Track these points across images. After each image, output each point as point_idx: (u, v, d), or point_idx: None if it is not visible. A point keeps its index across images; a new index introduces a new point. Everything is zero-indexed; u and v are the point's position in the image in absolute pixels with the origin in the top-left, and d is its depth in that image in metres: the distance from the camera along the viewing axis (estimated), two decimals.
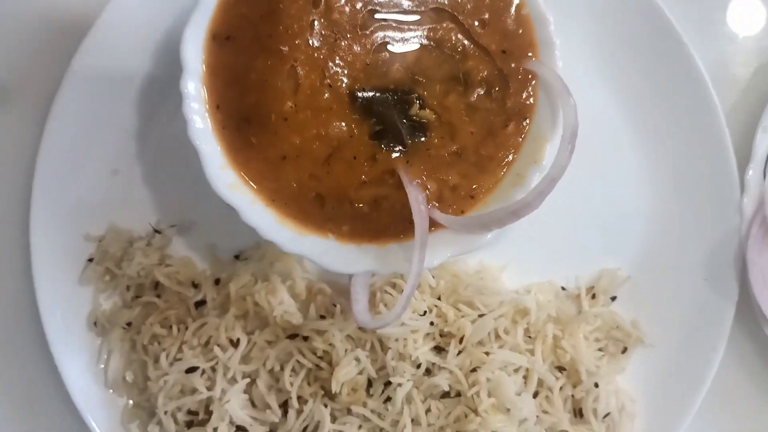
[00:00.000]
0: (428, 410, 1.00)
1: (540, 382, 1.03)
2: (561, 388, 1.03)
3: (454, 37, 0.89)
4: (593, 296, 1.07)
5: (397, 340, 1.00)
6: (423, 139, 0.89)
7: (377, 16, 0.88)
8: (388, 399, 1.00)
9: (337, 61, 0.87)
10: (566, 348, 1.03)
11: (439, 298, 1.04)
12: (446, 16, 0.89)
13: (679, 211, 1.07)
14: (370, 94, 0.88)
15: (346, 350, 0.99)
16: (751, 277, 1.01)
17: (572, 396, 1.04)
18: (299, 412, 1.00)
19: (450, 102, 0.89)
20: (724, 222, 1.04)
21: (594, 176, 1.07)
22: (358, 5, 0.88)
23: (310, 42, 0.86)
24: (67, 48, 1.03)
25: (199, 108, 0.88)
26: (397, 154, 0.89)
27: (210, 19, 0.87)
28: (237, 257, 1.07)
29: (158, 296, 1.05)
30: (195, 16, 0.86)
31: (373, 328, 0.95)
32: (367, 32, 0.88)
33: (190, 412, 1.01)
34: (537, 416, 1.01)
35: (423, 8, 0.89)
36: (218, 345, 1.01)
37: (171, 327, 1.03)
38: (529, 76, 0.90)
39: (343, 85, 0.87)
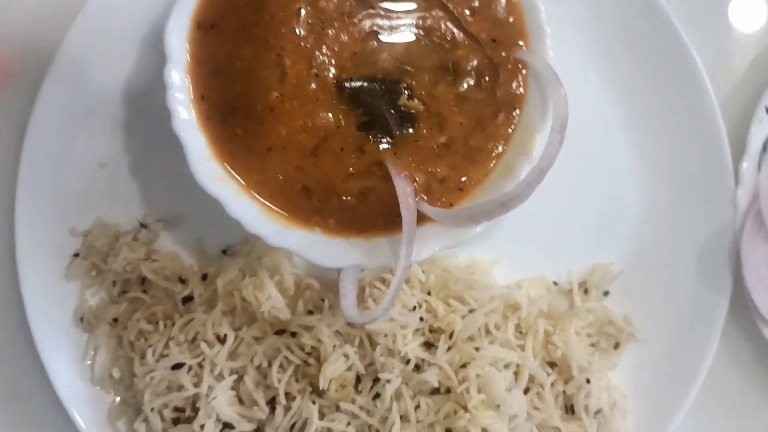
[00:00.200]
0: (417, 407, 0.98)
1: (531, 378, 1.01)
2: (552, 384, 1.02)
3: (443, 26, 0.88)
4: (585, 291, 1.06)
5: (386, 335, 0.98)
6: (411, 130, 0.88)
7: (365, 4, 0.87)
8: (377, 395, 0.99)
9: (324, 50, 0.86)
10: (557, 343, 1.02)
11: (429, 293, 1.02)
12: (435, 4, 0.88)
13: (672, 205, 1.05)
14: (358, 84, 0.87)
15: (334, 346, 0.98)
16: (745, 271, 1.00)
17: (563, 392, 1.03)
18: (287, 408, 0.98)
19: (439, 92, 0.88)
20: (718, 216, 1.03)
21: (586, 170, 1.06)
22: None
23: (297, 31, 0.85)
24: (52, 40, 1.01)
25: (184, 99, 0.87)
26: (385, 146, 0.88)
27: (195, 7, 0.86)
28: (224, 252, 1.06)
29: (145, 291, 1.04)
30: (179, 4, 0.85)
31: (362, 324, 0.93)
32: (355, 21, 0.87)
33: (176, 409, 1.00)
34: (528, 413, 0.99)
35: None
36: (205, 341, 0.99)
37: (157, 323, 1.02)
38: (520, 66, 0.88)
39: (331, 74, 0.86)
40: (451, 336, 1.00)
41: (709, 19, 1.09)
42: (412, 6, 0.88)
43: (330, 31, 0.86)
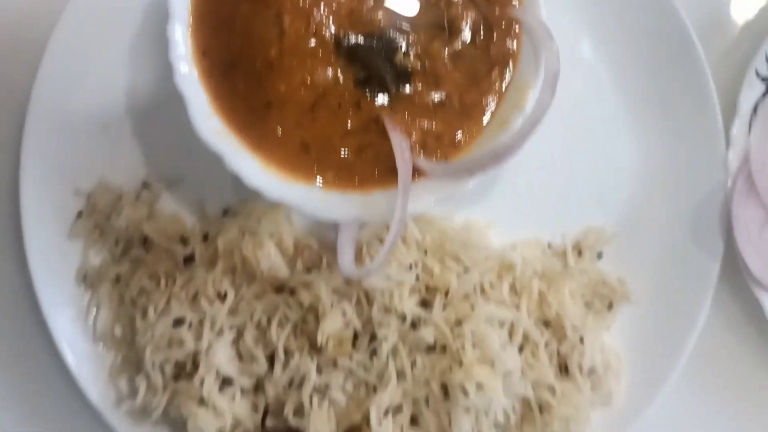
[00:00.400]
0: (414, 364, 1.00)
1: (525, 338, 1.03)
2: (546, 344, 1.03)
3: None
4: (579, 253, 1.07)
5: (383, 293, 1.00)
6: (407, 86, 0.90)
7: None
8: (374, 352, 1.00)
9: (322, 8, 0.88)
10: (552, 303, 1.03)
11: (425, 254, 1.04)
12: None
13: (664, 167, 1.07)
14: (355, 41, 0.88)
15: (332, 303, 1.00)
16: (736, 231, 1.01)
17: (558, 352, 1.04)
18: (285, 364, 1.00)
19: (434, 49, 0.90)
20: (709, 178, 1.04)
21: (580, 132, 1.08)
22: None
23: None
24: (55, 4, 1.03)
25: (186, 55, 0.89)
26: (382, 102, 0.89)
27: None
28: (225, 213, 1.08)
29: (147, 252, 1.06)
30: None
31: (359, 277, 0.95)
32: None
33: (177, 365, 1.01)
34: (522, 371, 1.01)
35: None
36: (206, 298, 1.01)
37: (159, 281, 1.04)
38: (513, 24, 0.90)
39: (329, 31, 0.88)
40: (446, 294, 1.01)
41: None
42: None
43: None
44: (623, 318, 1.08)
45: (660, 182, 1.07)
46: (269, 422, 0.99)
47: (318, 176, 0.91)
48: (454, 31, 0.90)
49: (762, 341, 1.08)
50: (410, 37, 0.89)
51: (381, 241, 1.03)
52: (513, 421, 1.02)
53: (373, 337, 1.01)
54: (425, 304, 1.02)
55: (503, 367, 0.98)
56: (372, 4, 0.89)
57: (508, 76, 0.91)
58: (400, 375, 1.00)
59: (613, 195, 1.08)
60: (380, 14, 0.89)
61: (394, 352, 1.00)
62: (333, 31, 0.88)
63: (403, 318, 1.00)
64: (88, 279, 1.06)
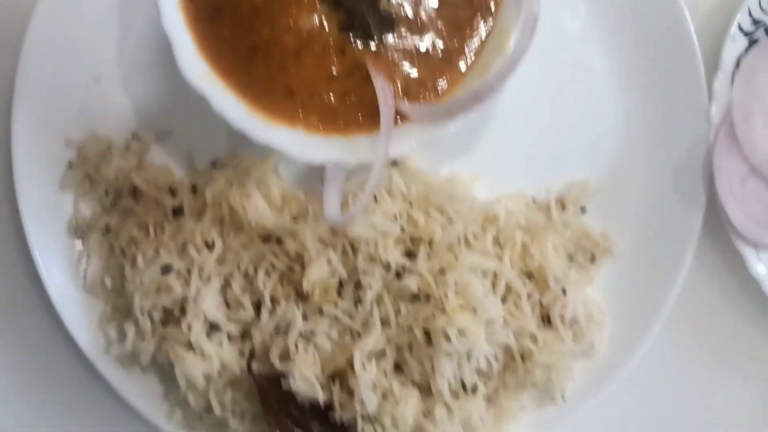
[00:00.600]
0: (398, 312, 1.01)
1: (508, 288, 1.04)
2: (529, 296, 1.05)
3: None
4: (563, 206, 1.09)
5: (368, 243, 1.01)
6: (391, 32, 0.91)
7: None
8: (359, 300, 1.02)
9: None
10: (534, 255, 1.04)
11: (410, 206, 1.06)
12: None
13: (647, 121, 1.08)
14: None
15: (317, 252, 1.01)
16: (718, 184, 1.02)
17: (540, 303, 1.06)
18: (272, 312, 1.01)
19: None
20: (692, 131, 1.06)
21: (564, 88, 1.09)
22: None
23: None
24: None
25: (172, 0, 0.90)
26: (366, 48, 0.91)
27: None
28: (213, 165, 1.09)
29: (136, 202, 1.07)
30: None
31: (343, 223, 0.96)
32: None
33: (165, 311, 1.03)
34: (504, 320, 1.02)
35: None
36: (194, 247, 1.03)
37: (148, 230, 1.05)
38: None
39: None
40: (430, 245, 1.03)
41: None
42: None
43: None
44: (606, 272, 1.09)
45: (643, 136, 1.08)
46: (255, 367, 1.01)
47: (302, 121, 0.92)
48: None
49: (743, 294, 1.09)
50: None
51: None
52: (495, 369, 1.03)
53: (358, 286, 1.02)
54: (410, 255, 1.04)
55: (486, 314, 0.99)
56: None
57: (490, 22, 0.92)
58: (384, 322, 1.01)
59: (596, 150, 1.10)
60: None
61: (379, 300, 1.01)
62: None
63: (388, 267, 1.02)
64: (78, 229, 1.08)
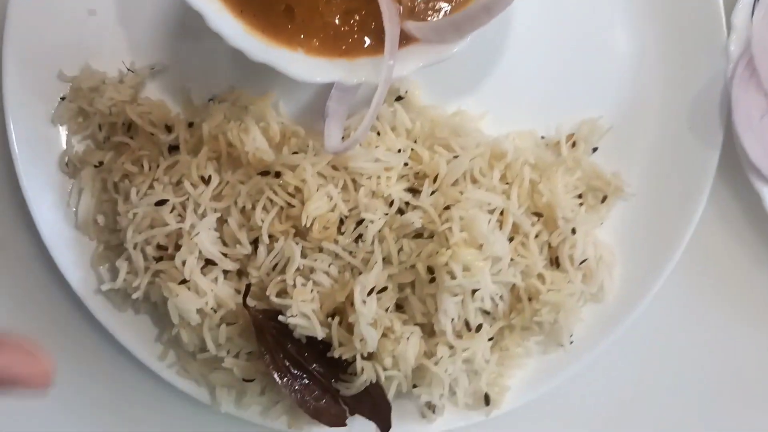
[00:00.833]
0: (400, 249, 0.98)
1: (516, 228, 1.00)
2: (537, 236, 1.01)
3: None
4: (573, 144, 1.05)
5: (369, 178, 0.98)
6: None
7: None
8: (360, 237, 0.98)
9: None
10: (543, 193, 1.00)
11: (415, 142, 1.02)
12: None
13: (663, 56, 1.04)
14: None
15: (317, 186, 0.97)
16: (736, 118, 0.98)
17: (548, 244, 1.02)
18: (270, 248, 0.98)
19: None
20: (709, 65, 1.01)
21: (575, 22, 1.05)
22: None
23: None
24: None
25: None
26: None
27: None
28: (211, 101, 1.05)
29: (131, 138, 1.04)
30: None
31: (344, 150, 0.92)
32: None
33: (159, 247, 0.99)
34: (512, 259, 0.98)
35: None
36: (190, 181, 0.99)
37: (142, 165, 1.02)
38: None
39: None
40: (435, 180, 0.99)
41: None
42: None
43: None
44: (617, 213, 1.06)
45: (657, 72, 1.04)
46: (251, 303, 0.97)
47: (303, 42, 0.88)
48: None
49: (758, 236, 1.05)
50: None
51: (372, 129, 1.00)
52: (501, 310, 0.99)
53: (359, 223, 0.98)
54: (413, 192, 1.00)
55: (491, 250, 0.95)
56: None
57: None
58: (386, 260, 0.97)
59: (608, 87, 1.05)
60: None
61: (381, 237, 0.97)
62: None
63: (390, 203, 0.98)
64: (71, 165, 1.04)
